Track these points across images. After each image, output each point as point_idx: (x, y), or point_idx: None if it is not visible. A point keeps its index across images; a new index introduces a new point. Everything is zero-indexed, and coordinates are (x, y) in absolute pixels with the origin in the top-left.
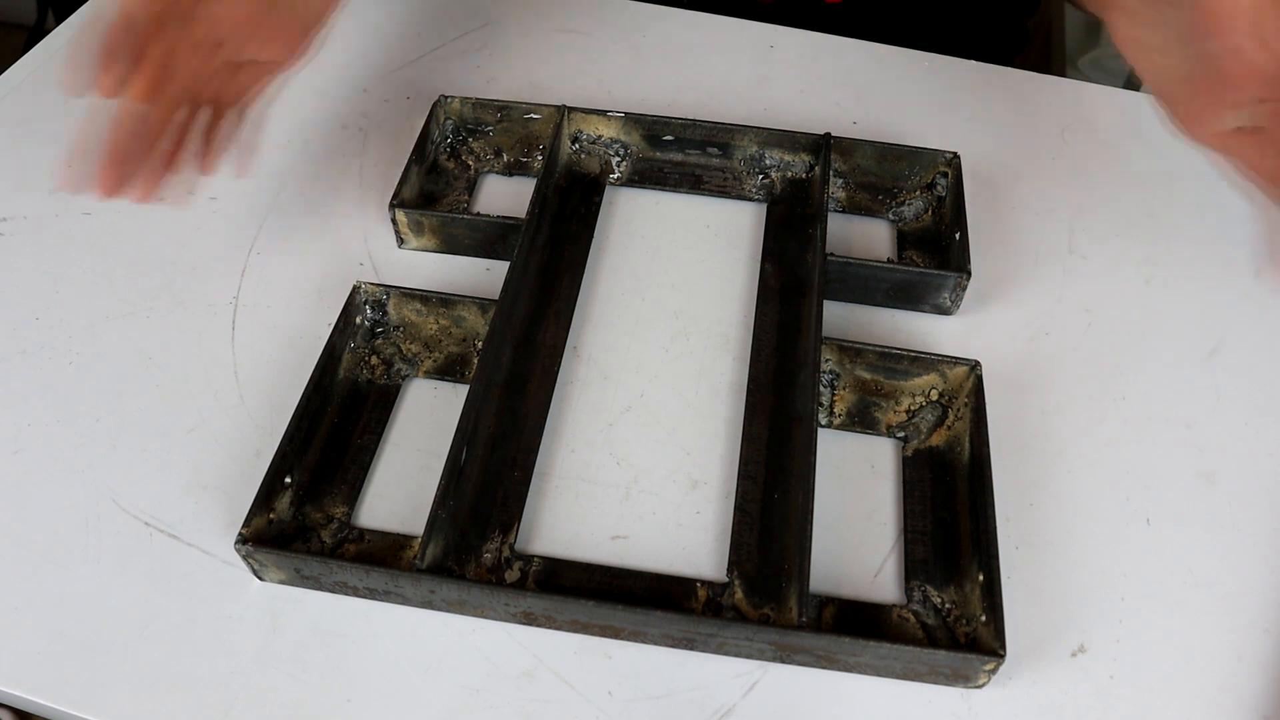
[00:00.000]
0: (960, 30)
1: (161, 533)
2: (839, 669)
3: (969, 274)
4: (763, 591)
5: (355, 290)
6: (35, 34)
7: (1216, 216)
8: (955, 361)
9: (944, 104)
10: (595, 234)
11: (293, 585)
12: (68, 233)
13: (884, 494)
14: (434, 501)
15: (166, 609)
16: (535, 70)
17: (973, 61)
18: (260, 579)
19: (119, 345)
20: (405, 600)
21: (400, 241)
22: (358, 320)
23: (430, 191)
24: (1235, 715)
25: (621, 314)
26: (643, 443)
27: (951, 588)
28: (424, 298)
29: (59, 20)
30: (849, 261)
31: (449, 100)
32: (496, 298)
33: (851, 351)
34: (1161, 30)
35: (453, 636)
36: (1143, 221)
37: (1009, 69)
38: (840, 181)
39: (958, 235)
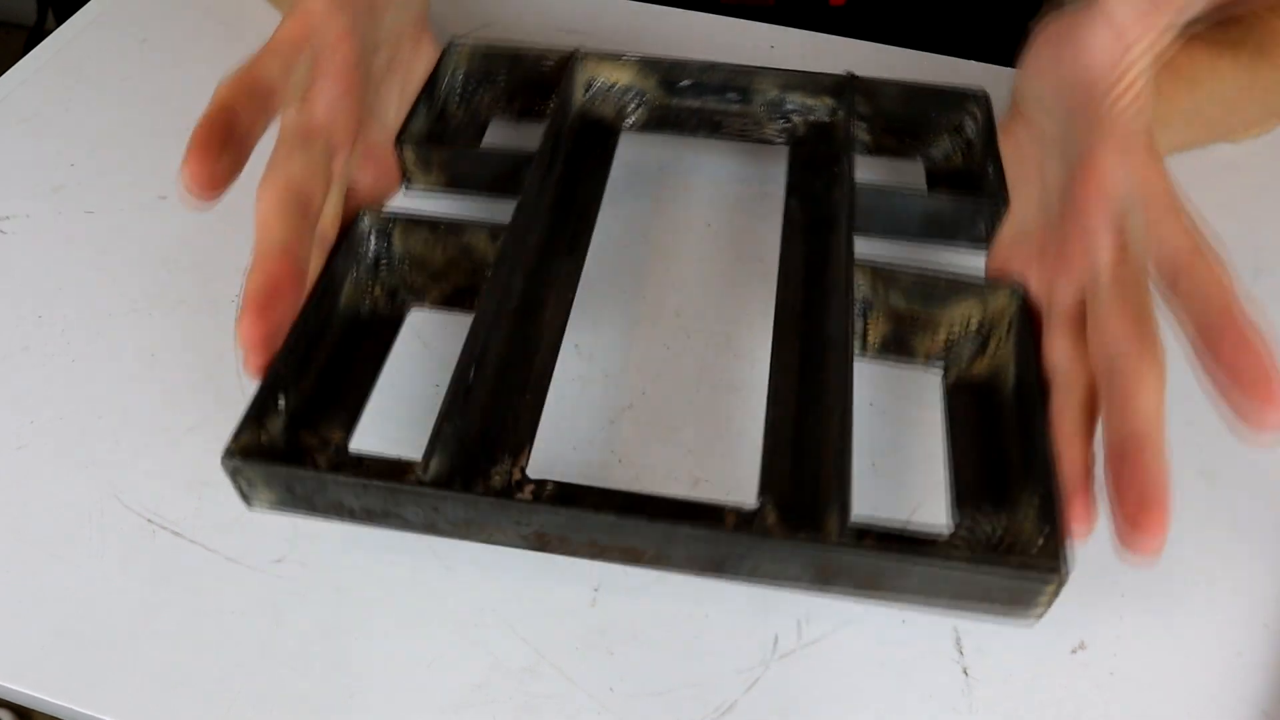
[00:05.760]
0: (963, 32)
1: (164, 529)
2: (881, 596)
3: (1006, 201)
4: (798, 515)
5: (359, 218)
6: (35, 34)
7: (1215, 215)
8: (996, 286)
9: None
10: (609, 179)
11: (283, 508)
12: (70, 231)
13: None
14: (439, 415)
15: (169, 605)
16: None
17: (973, 62)
18: (248, 503)
19: (121, 343)
20: (405, 524)
21: (408, 182)
22: (361, 250)
23: (439, 135)
24: (1236, 712)
25: (624, 309)
26: (645, 441)
27: (1003, 515)
28: (432, 225)
29: (59, 20)
30: (881, 189)
31: (459, 47)
32: (507, 224)
33: (886, 275)
34: (1044, 159)
35: (455, 631)
36: None
37: (1010, 69)
38: (864, 125)
39: (991, 169)
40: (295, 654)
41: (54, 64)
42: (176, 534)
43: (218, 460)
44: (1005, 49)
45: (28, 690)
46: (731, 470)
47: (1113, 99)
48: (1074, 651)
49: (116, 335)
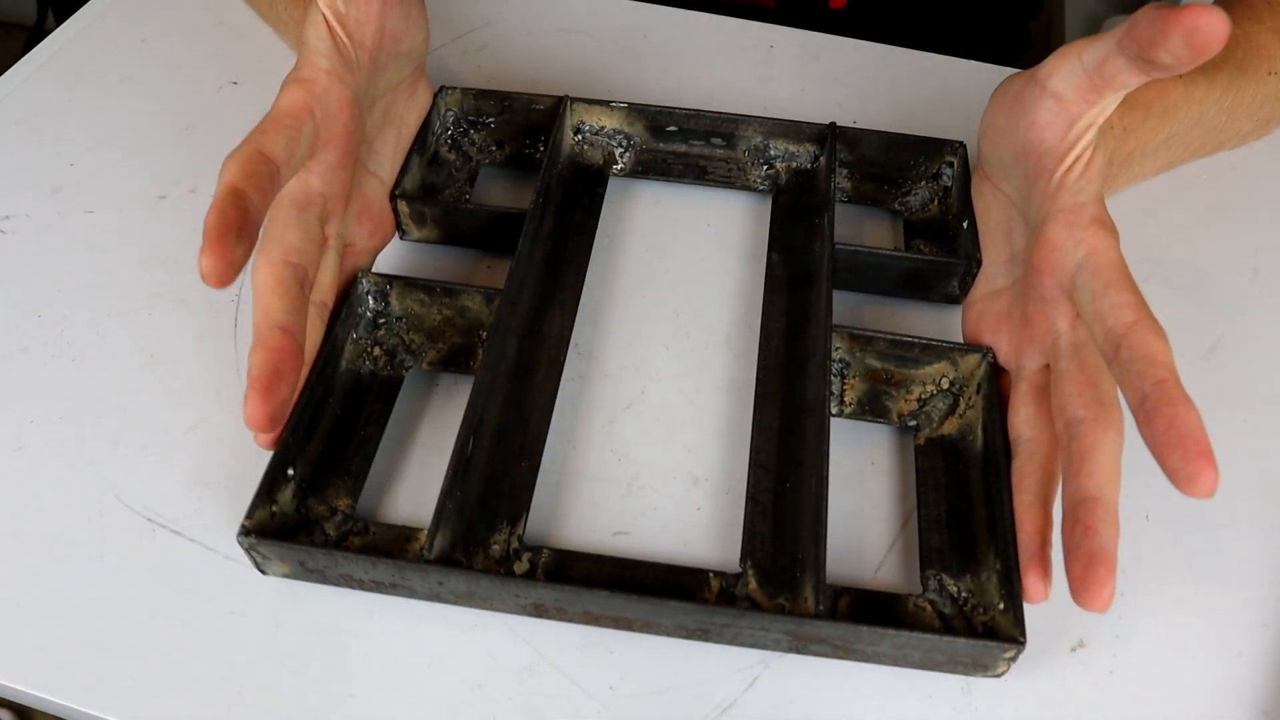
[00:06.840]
0: (963, 32)
1: (164, 529)
2: (855, 659)
3: (979, 261)
4: (777, 581)
5: (357, 281)
6: (35, 34)
7: (1215, 214)
8: (967, 349)
9: (945, 104)
10: (599, 226)
11: (296, 579)
12: (70, 231)
13: (896, 483)
14: (441, 492)
15: (169, 605)
16: (536, 70)
17: (974, 62)
18: (263, 573)
19: (121, 343)
20: (412, 593)
21: (402, 233)
22: (360, 311)
23: (431, 183)
24: (1234, 710)
25: (624, 309)
26: (644, 439)
27: (968, 576)
28: (428, 288)
29: (59, 20)
30: (858, 250)
31: (450, 91)
32: (501, 288)
33: (862, 340)
34: (1009, 232)
35: (455, 632)
36: (1141, 220)
37: (1010, 69)
38: (845, 172)
39: (965, 224)
40: (294, 654)
41: (54, 64)
42: (176, 533)
43: (217, 460)
44: (1004, 49)
45: (28, 690)
46: (730, 469)
47: (1062, 172)
48: (1074, 650)
49: (116, 335)
